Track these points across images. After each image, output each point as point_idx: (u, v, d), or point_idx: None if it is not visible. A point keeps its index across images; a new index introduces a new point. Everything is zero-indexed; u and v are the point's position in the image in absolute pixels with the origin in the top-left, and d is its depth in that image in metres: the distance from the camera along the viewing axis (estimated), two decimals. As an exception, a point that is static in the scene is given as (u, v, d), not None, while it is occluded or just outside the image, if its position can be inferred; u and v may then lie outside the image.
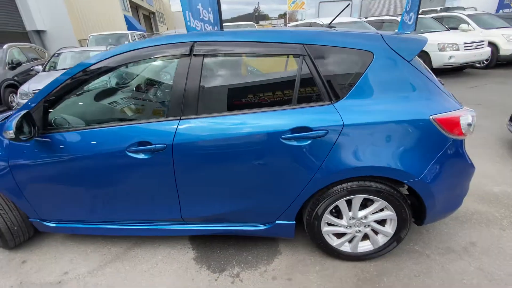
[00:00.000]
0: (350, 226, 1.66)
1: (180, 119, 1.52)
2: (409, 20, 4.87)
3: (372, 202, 1.59)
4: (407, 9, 4.75)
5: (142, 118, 2.05)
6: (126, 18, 20.09)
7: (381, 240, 1.70)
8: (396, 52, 1.44)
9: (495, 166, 2.78)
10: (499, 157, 2.95)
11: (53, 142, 1.62)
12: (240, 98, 1.66)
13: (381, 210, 1.61)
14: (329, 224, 1.69)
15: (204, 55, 1.52)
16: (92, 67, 1.61)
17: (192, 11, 2.56)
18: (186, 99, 1.51)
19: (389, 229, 1.66)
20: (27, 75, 6.94)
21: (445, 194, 1.55)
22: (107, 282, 1.75)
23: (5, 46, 7.00)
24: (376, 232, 1.70)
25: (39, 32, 13.90)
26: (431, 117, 1.39)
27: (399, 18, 6.53)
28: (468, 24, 7.51)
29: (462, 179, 1.59)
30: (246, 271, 1.76)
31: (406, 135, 1.42)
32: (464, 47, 6.33)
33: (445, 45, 6.34)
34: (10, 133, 1.44)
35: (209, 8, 2.49)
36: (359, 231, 1.68)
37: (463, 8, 11.32)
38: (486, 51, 6.64)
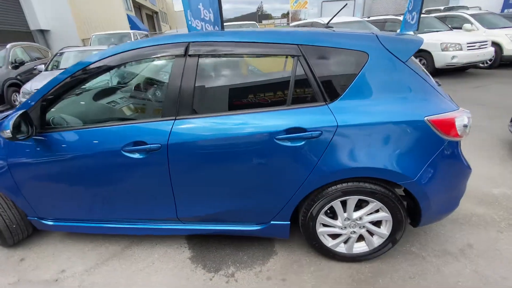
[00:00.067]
0: (345, 227, 1.66)
1: (175, 119, 1.52)
2: (412, 19, 4.83)
3: (367, 203, 1.59)
4: (410, 9, 4.71)
5: (138, 118, 2.06)
6: (129, 17, 20.20)
7: (376, 241, 1.70)
8: (391, 53, 1.43)
9: (495, 168, 2.75)
10: (500, 158, 2.93)
11: (50, 141, 1.63)
12: (236, 98, 1.67)
13: (377, 211, 1.61)
14: (324, 225, 1.68)
15: (199, 56, 1.52)
16: (89, 67, 1.62)
17: (192, 10, 2.57)
18: (181, 99, 1.51)
19: (384, 230, 1.65)
20: (30, 74, 7.00)
21: (441, 195, 1.54)
22: (104, 280, 1.77)
23: (8, 46, 7.06)
24: (371, 234, 1.69)
25: (42, 32, 14.01)
26: (426, 118, 1.38)
27: (401, 18, 6.49)
28: (472, 23, 7.44)
29: (458, 180, 1.58)
30: (241, 271, 1.77)
31: (400, 136, 1.42)
32: (467, 47, 6.27)
33: (448, 45, 6.29)
34: (7, 133, 1.45)
35: (210, 8, 2.49)
36: (354, 232, 1.68)
37: (466, 8, 11.20)
38: (490, 51, 6.58)
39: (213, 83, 1.66)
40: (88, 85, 1.80)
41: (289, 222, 1.69)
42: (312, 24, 7.66)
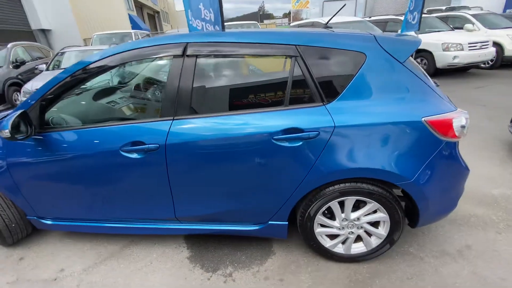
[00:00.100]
0: (342, 228, 1.66)
1: (173, 120, 1.53)
2: (413, 19, 4.83)
3: (365, 204, 1.59)
4: (411, 9, 4.71)
5: (137, 117, 2.07)
6: (130, 17, 20.21)
7: (374, 242, 1.69)
8: (389, 53, 1.43)
9: (495, 169, 2.75)
10: (499, 159, 2.92)
11: (49, 141, 1.64)
12: (234, 99, 1.67)
13: (374, 212, 1.61)
14: (322, 225, 1.68)
15: (197, 56, 1.52)
16: (89, 67, 1.62)
17: (193, 10, 2.57)
18: (179, 99, 1.52)
19: (382, 231, 1.65)
20: (31, 74, 7.02)
21: (439, 196, 1.54)
22: (102, 280, 1.77)
23: (9, 45, 7.09)
24: (369, 234, 1.69)
25: (44, 31, 14.05)
26: (423, 119, 1.38)
27: (403, 18, 6.48)
28: (473, 24, 7.41)
29: (455, 181, 1.58)
30: (239, 270, 1.77)
31: (398, 137, 1.42)
32: (469, 47, 6.25)
33: (449, 45, 6.27)
34: (6, 133, 1.46)
35: (210, 8, 2.49)
36: (352, 232, 1.68)
37: (468, 8, 11.17)
38: (491, 51, 6.55)
39: (211, 83, 1.66)
40: (88, 84, 1.80)
41: (287, 222, 1.69)
42: (313, 24, 7.65)
